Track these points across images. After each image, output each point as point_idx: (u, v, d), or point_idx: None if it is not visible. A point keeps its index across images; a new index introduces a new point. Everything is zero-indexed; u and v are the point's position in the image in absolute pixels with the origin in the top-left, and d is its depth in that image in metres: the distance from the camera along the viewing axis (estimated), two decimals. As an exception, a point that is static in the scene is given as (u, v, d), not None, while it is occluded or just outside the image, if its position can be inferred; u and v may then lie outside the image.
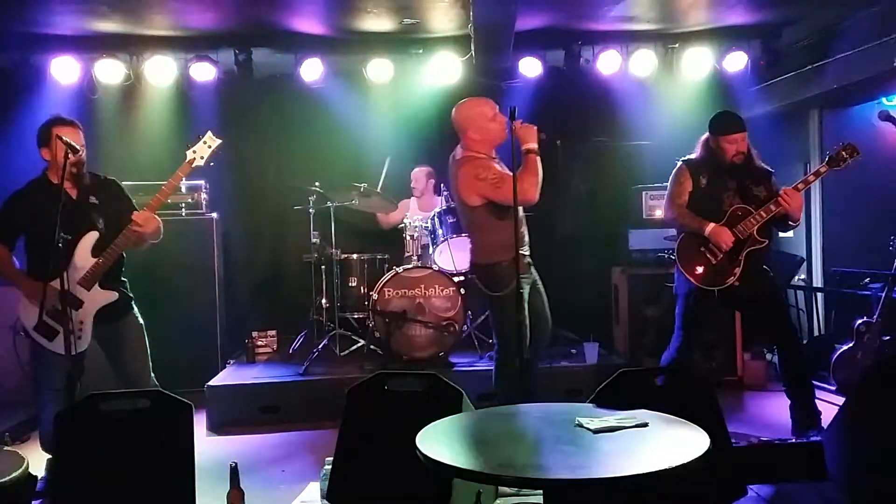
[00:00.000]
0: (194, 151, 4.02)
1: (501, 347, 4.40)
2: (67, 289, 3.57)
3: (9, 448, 3.30)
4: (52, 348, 3.77)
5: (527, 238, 4.45)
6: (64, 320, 3.52)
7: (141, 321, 4.14)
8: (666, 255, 6.00)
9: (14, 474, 2.54)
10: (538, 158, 4.17)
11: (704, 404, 3.03)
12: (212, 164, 4.08)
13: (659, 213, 6.20)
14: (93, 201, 3.95)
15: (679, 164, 4.61)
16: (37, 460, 3.56)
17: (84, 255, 3.86)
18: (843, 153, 4.29)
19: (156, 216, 3.97)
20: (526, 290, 4.30)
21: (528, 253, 4.43)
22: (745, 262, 4.38)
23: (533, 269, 4.49)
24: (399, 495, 3.02)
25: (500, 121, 4.33)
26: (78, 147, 3.73)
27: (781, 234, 4.56)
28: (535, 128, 4.20)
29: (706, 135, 4.52)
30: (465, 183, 4.28)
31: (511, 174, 4.00)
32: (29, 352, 3.87)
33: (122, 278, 4.13)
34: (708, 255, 4.42)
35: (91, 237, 3.89)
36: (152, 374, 4.12)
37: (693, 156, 4.59)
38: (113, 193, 4.10)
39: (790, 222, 4.47)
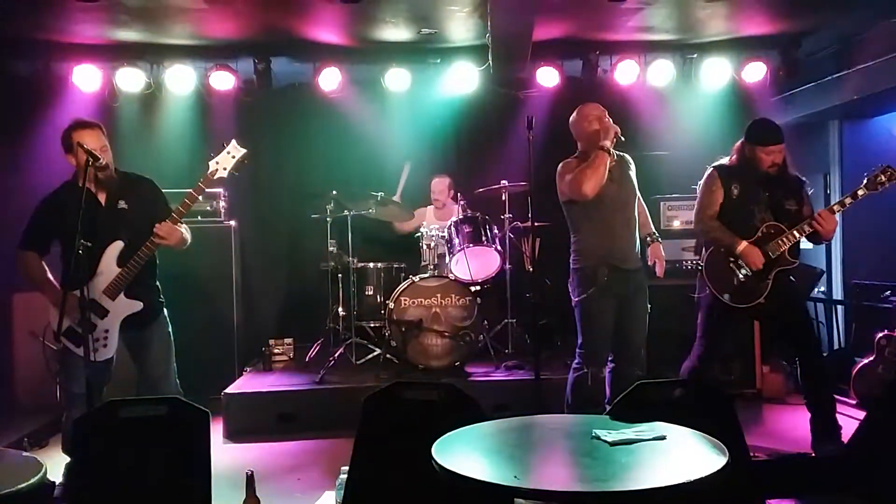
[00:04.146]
0: (217, 162, 3.88)
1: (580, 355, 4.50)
2: (88, 297, 3.58)
3: (27, 453, 3.32)
4: (80, 353, 3.74)
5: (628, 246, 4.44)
6: (86, 329, 3.53)
7: (169, 329, 4.11)
8: (688, 265, 5.94)
9: (32, 480, 2.54)
10: (605, 157, 4.21)
11: (723, 417, 3.00)
12: (237, 173, 3.92)
13: (677, 224, 6.16)
14: (121, 206, 3.90)
15: (710, 170, 4.47)
16: (54, 466, 3.58)
17: (109, 265, 3.84)
18: (882, 176, 4.13)
19: (178, 227, 3.87)
20: (609, 300, 4.33)
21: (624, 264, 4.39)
22: (773, 282, 4.29)
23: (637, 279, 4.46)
24: (414, 505, 3.00)
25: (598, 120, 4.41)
26: (99, 156, 3.71)
27: (802, 246, 4.48)
28: (616, 129, 4.30)
29: (741, 141, 4.38)
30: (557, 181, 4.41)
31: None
32: (58, 356, 3.87)
33: (157, 283, 4.10)
34: (736, 272, 4.33)
35: (116, 246, 3.86)
36: (177, 381, 4.11)
37: (725, 161, 4.47)
38: (145, 195, 4.02)
39: (822, 240, 4.40)
